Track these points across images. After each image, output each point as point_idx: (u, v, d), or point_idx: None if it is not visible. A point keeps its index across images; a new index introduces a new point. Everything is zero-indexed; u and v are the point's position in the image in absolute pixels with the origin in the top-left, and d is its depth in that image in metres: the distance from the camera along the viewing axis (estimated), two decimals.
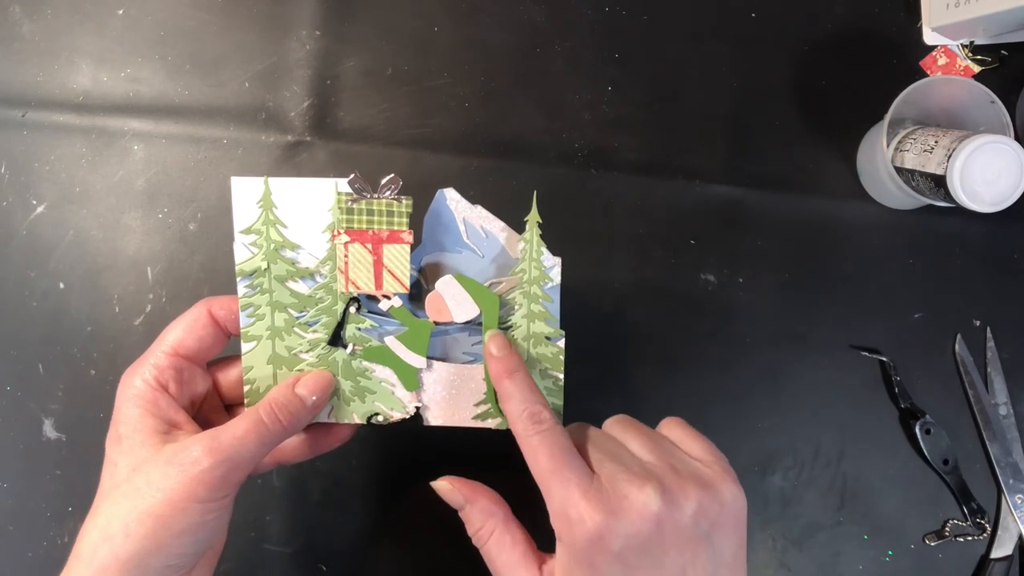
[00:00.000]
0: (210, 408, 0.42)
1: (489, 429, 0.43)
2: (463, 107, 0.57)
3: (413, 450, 0.56)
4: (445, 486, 0.41)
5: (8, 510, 0.54)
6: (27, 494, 0.55)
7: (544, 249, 0.41)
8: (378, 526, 0.55)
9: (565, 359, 0.42)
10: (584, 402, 0.55)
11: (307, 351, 0.41)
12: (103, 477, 0.38)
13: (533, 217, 0.41)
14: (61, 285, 0.56)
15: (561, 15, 0.57)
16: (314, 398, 0.40)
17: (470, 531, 0.40)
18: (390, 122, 0.57)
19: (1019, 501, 0.55)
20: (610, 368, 0.56)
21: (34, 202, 0.56)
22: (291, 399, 0.39)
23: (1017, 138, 0.50)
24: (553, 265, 0.42)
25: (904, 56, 0.57)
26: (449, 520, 0.55)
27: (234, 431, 0.37)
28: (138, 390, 0.39)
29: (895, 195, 0.54)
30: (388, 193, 0.39)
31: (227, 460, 0.36)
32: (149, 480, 0.35)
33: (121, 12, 0.57)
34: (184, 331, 0.40)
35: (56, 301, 0.56)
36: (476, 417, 0.43)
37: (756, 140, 0.57)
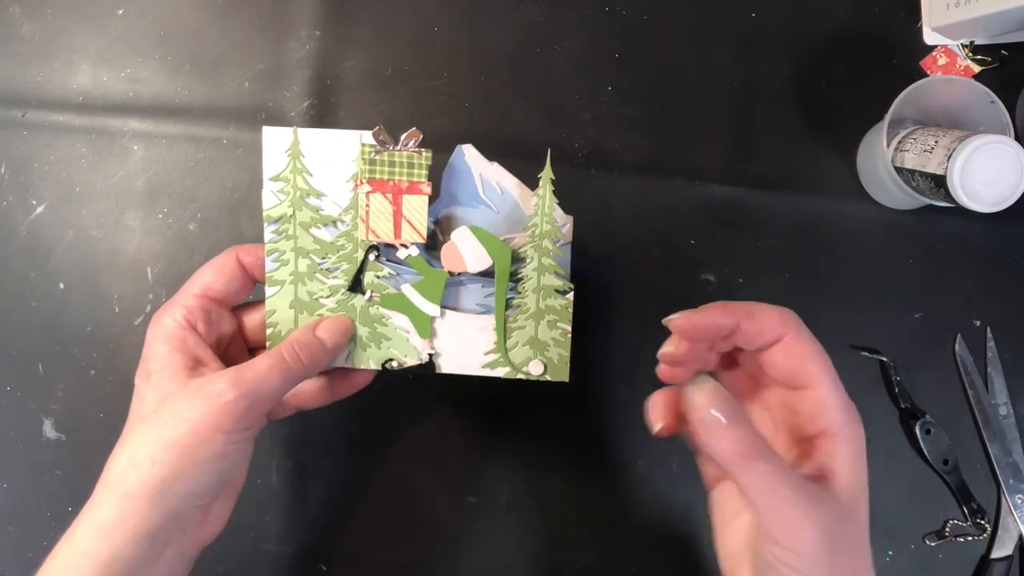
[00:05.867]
0: (235, 350, 0.44)
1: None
2: (463, 107, 0.57)
3: (413, 450, 0.56)
4: (716, 391, 0.34)
5: (8, 510, 0.54)
6: (27, 494, 0.55)
7: (556, 206, 0.43)
8: (378, 526, 0.55)
9: (573, 312, 0.44)
10: (585, 403, 0.55)
11: (327, 296, 0.43)
12: (132, 410, 0.40)
13: (547, 174, 0.42)
14: (61, 285, 0.56)
15: (561, 15, 0.57)
16: (333, 341, 0.42)
17: (745, 446, 0.33)
18: (390, 122, 0.56)
19: (1019, 501, 0.55)
20: (610, 368, 0.56)
21: (34, 202, 0.56)
22: (312, 340, 0.41)
23: (1017, 138, 0.50)
24: (565, 223, 0.43)
25: (904, 56, 0.57)
26: (448, 520, 0.55)
27: (257, 367, 0.38)
28: (168, 328, 0.40)
29: (895, 195, 0.54)
30: (410, 145, 0.41)
31: (250, 393, 0.37)
32: (176, 411, 0.37)
33: (121, 12, 0.57)
34: (213, 275, 0.42)
35: (56, 301, 0.56)
36: (486, 366, 0.44)
37: (756, 140, 0.57)
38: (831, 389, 0.35)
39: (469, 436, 0.56)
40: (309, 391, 0.45)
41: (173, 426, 0.37)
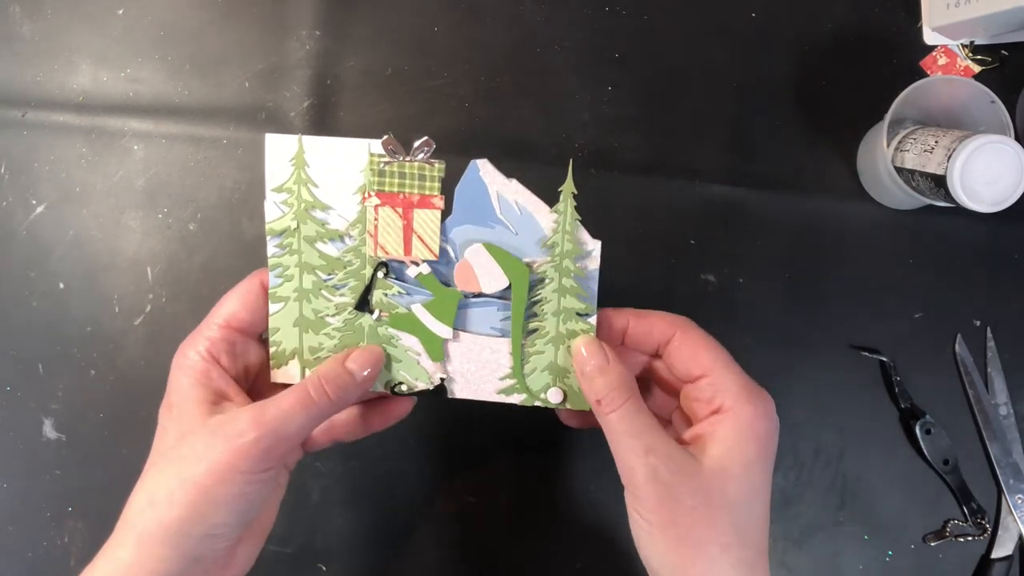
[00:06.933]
0: (263, 381, 0.43)
1: (513, 406, 0.42)
2: (463, 107, 0.57)
3: (412, 450, 0.56)
4: (592, 342, 0.39)
5: (8, 510, 0.54)
6: (27, 494, 0.55)
7: (582, 228, 0.40)
8: (378, 526, 0.55)
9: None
10: None
11: (333, 315, 0.41)
12: (154, 444, 0.39)
13: (568, 188, 0.40)
14: (61, 285, 0.56)
15: (561, 15, 0.57)
16: (365, 372, 0.39)
17: (598, 395, 0.38)
18: (390, 122, 0.57)
19: (1019, 501, 0.55)
20: None
21: (34, 202, 0.56)
22: (340, 373, 0.39)
23: (1017, 138, 0.50)
24: (593, 249, 0.41)
25: (904, 56, 0.57)
26: (448, 520, 0.55)
27: (280, 404, 0.37)
28: (191, 361, 0.39)
29: (895, 195, 0.54)
30: (421, 156, 0.39)
31: (271, 433, 0.36)
32: (194, 449, 0.36)
33: (121, 12, 0.57)
34: (237, 304, 0.40)
35: (56, 301, 0.56)
36: (501, 392, 0.42)
37: (756, 140, 0.57)
38: (723, 373, 0.38)
39: (469, 436, 0.56)
40: (343, 424, 0.43)
41: (191, 465, 0.35)
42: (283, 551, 0.54)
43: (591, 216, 0.56)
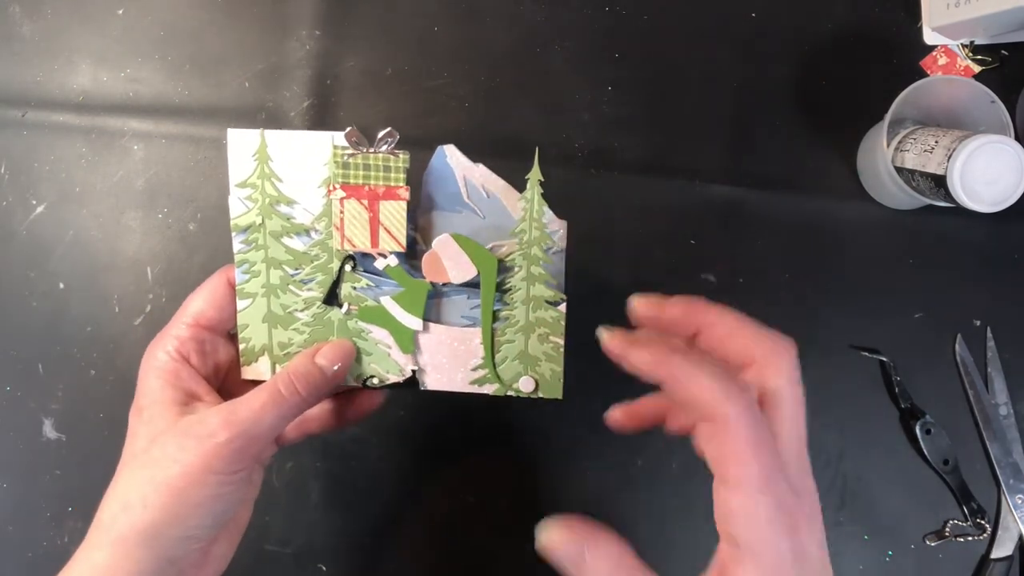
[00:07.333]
0: (234, 379, 0.42)
1: (486, 396, 0.42)
2: (463, 107, 0.57)
3: (412, 450, 0.56)
4: (558, 536, 0.32)
5: (8, 510, 0.54)
6: (27, 494, 0.55)
7: (547, 210, 0.40)
8: (378, 526, 0.55)
9: (569, 322, 0.41)
10: (584, 402, 0.55)
11: (302, 310, 0.41)
12: (124, 448, 0.38)
13: (534, 175, 0.39)
14: (61, 285, 0.56)
15: (561, 15, 0.57)
16: (336, 367, 0.39)
17: None
18: (390, 122, 0.56)
19: (1019, 501, 0.55)
20: (610, 368, 0.56)
21: (34, 202, 0.56)
22: (310, 369, 0.38)
23: (1017, 138, 0.50)
24: (558, 229, 0.40)
25: (904, 56, 0.57)
26: (447, 519, 0.55)
27: (251, 404, 0.36)
28: (160, 362, 0.38)
29: (895, 195, 0.54)
30: (385, 147, 0.38)
31: (243, 433, 0.36)
32: (166, 451, 0.36)
33: (121, 12, 0.57)
34: (204, 302, 0.40)
35: (56, 301, 0.56)
36: (473, 383, 0.42)
37: (756, 140, 0.57)
38: (743, 501, 0.28)
39: (469, 436, 0.56)
40: (316, 418, 0.43)
41: (164, 467, 0.35)
42: (283, 551, 0.54)
43: (591, 216, 0.56)
